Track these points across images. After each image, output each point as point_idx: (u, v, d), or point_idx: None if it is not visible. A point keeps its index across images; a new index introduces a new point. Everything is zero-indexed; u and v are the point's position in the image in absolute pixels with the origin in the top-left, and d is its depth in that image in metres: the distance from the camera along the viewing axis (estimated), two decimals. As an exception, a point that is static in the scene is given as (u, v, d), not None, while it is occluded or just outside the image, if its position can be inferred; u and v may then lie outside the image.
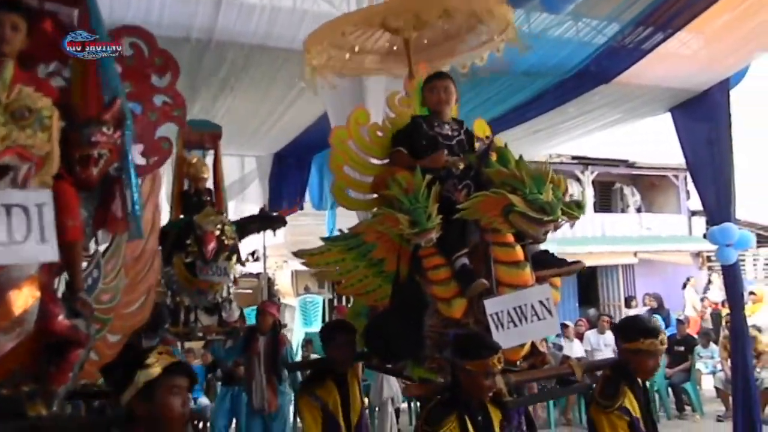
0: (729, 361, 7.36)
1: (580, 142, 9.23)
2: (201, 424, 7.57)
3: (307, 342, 9.46)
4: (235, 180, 8.20)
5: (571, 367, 3.02)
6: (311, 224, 9.45)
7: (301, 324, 11.79)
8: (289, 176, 8.21)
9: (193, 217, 5.43)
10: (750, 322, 6.57)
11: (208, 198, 5.83)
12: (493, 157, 2.88)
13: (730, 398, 6.79)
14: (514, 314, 2.64)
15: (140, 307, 2.93)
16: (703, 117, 6.02)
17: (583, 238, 14.38)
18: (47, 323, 2.20)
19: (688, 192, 16.54)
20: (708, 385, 8.64)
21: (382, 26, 3.64)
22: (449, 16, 3.38)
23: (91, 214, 2.52)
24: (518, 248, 2.73)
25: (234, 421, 5.98)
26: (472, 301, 2.73)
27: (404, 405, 7.10)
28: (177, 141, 5.60)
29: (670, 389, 8.31)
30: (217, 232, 5.33)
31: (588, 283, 15.65)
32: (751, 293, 10.20)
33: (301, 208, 8.65)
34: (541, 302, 2.69)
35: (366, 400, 7.49)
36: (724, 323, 8.18)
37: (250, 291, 10.44)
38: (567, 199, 2.74)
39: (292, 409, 5.63)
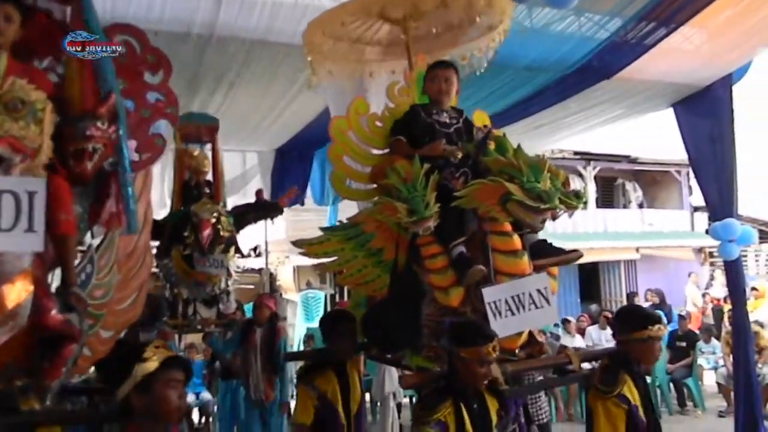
0: (731, 356, 7.37)
1: (582, 138, 9.23)
2: (204, 419, 7.60)
3: (309, 337, 9.47)
4: (237, 175, 8.20)
5: (569, 356, 3.03)
6: (313, 219, 9.44)
7: (302, 319, 11.81)
8: (290, 171, 8.21)
9: (190, 207, 5.45)
10: (752, 317, 6.56)
11: (208, 191, 5.83)
12: (492, 145, 2.87)
13: (732, 394, 6.80)
14: (512, 303, 2.64)
15: (132, 303, 2.93)
16: (706, 112, 6.01)
17: (584, 233, 14.38)
18: (40, 318, 2.20)
19: (690, 188, 16.52)
20: (710, 380, 8.65)
21: (381, 17, 3.64)
22: (447, 6, 3.38)
23: (85, 209, 2.53)
24: (516, 237, 2.73)
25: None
26: (470, 289, 2.73)
27: (406, 400, 7.11)
28: (175, 134, 5.62)
29: (671, 384, 8.32)
30: (213, 220, 5.34)
31: (589, 279, 15.65)
32: (753, 289, 10.20)
33: (302, 204, 8.65)
34: (539, 291, 2.69)
35: (368, 394, 7.56)
36: (726, 319, 8.17)
37: (252, 286, 10.48)
38: (572, 191, 2.74)
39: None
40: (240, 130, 7.07)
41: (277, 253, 12.07)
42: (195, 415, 7.69)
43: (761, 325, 7.88)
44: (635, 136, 14.84)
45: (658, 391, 8.02)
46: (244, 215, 5.97)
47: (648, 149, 16.26)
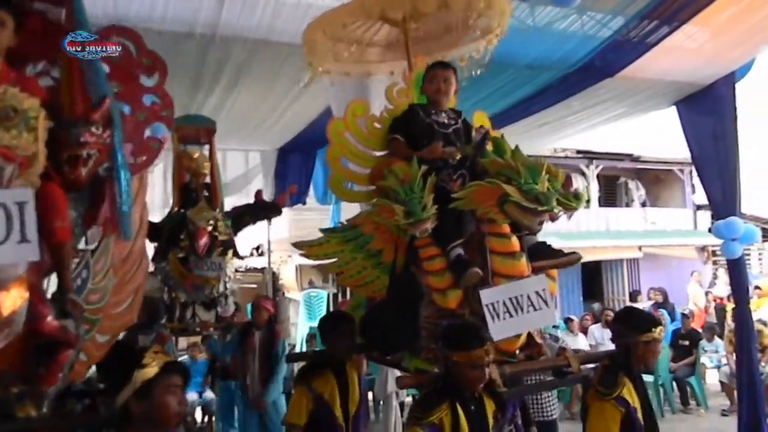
0: (734, 355, 7.36)
1: (585, 136, 9.21)
2: (207, 418, 7.62)
3: (311, 336, 9.47)
4: (239, 175, 8.20)
5: (568, 358, 3.02)
6: (316, 219, 9.46)
7: (305, 318, 11.81)
8: (293, 171, 8.22)
9: (187, 212, 5.45)
10: (755, 316, 6.57)
11: (206, 193, 5.83)
12: (489, 147, 2.87)
13: (735, 392, 6.79)
14: (510, 305, 2.63)
15: (128, 308, 2.91)
16: (709, 111, 6.00)
17: (587, 232, 14.37)
18: (36, 324, 2.19)
19: (693, 186, 16.49)
20: (713, 379, 8.64)
21: (381, 18, 3.63)
22: (447, 7, 3.37)
23: (80, 214, 2.51)
24: (514, 239, 2.72)
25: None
26: (468, 291, 2.72)
27: (409, 399, 7.12)
28: (173, 136, 5.61)
29: (674, 383, 8.31)
30: (209, 228, 5.34)
31: (592, 278, 15.64)
32: (757, 287, 10.19)
33: (304, 203, 8.66)
34: (537, 293, 2.67)
35: (370, 393, 7.57)
36: (729, 317, 8.17)
37: (254, 286, 10.49)
38: (571, 192, 2.73)
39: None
40: (242, 130, 7.08)
41: (280, 252, 12.07)
42: (198, 414, 7.71)
43: (764, 324, 7.86)
44: (638, 135, 14.80)
45: (661, 390, 8.01)
46: (242, 217, 5.97)
47: (651, 148, 16.23)
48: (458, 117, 3.23)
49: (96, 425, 2.37)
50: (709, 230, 6.55)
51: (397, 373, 5.62)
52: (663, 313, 9.77)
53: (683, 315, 9.29)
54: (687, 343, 8.45)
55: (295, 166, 8.21)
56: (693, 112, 6.20)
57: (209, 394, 7.37)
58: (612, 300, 15.57)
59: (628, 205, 17.13)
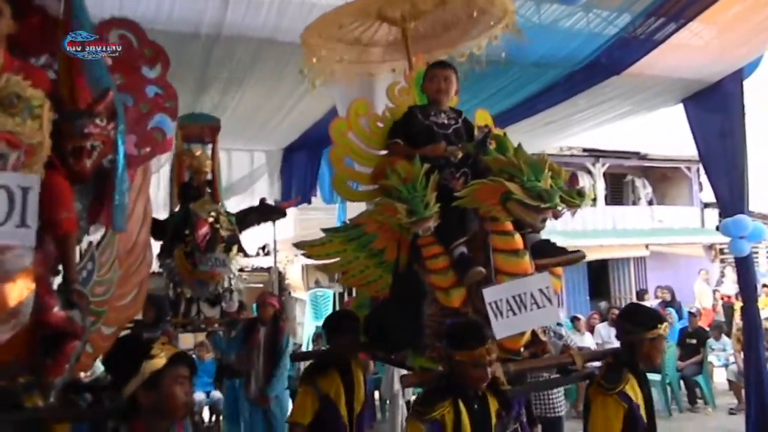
0: (742, 353, 7.32)
1: (591, 135, 9.18)
2: (214, 417, 7.64)
3: (318, 336, 9.49)
4: (244, 175, 8.22)
5: (572, 356, 3.01)
6: (322, 218, 9.47)
7: (311, 318, 11.83)
8: (298, 170, 8.22)
9: (190, 206, 5.47)
10: (763, 314, 6.52)
11: (209, 190, 5.85)
12: (492, 145, 2.86)
13: (743, 391, 6.76)
14: (513, 303, 2.61)
15: (133, 300, 2.92)
16: (716, 108, 5.97)
17: (593, 230, 14.34)
18: (43, 315, 2.21)
19: (700, 184, 16.44)
20: (720, 377, 8.60)
21: (379, 17, 3.62)
22: (446, 4, 3.35)
23: (85, 206, 2.52)
24: (517, 237, 2.71)
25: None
26: (471, 290, 2.71)
27: (414, 398, 7.12)
28: (176, 135, 5.62)
29: (682, 382, 8.28)
30: (210, 219, 5.35)
31: (599, 276, 15.60)
32: (765, 286, 10.15)
33: (310, 203, 8.67)
34: (540, 290, 2.66)
35: (377, 393, 7.57)
36: (737, 316, 8.13)
37: (261, 285, 10.50)
38: (575, 189, 2.72)
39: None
40: (247, 129, 7.08)
41: (286, 252, 12.10)
42: (206, 414, 7.73)
43: (773, 322, 7.82)
44: (645, 133, 14.78)
45: (669, 389, 7.98)
46: (247, 217, 5.99)
47: (658, 145, 16.19)
48: (458, 117, 3.21)
49: (103, 416, 2.39)
50: (717, 228, 6.52)
51: (403, 372, 5.64)
52: (670, 312, 9.74)
53: (690, 313, 9.25)
54: (694, 341, 8.41)
55: (301, 165, 8.21)
56: (700, 109, 6.17)
57: (217, 394, 7.39)
58: (619, 299, 15.53)
59: (634, 204, 17.09)
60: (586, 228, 13.98)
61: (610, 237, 14.57)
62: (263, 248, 11.88)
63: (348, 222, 3.39)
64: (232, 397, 6.21)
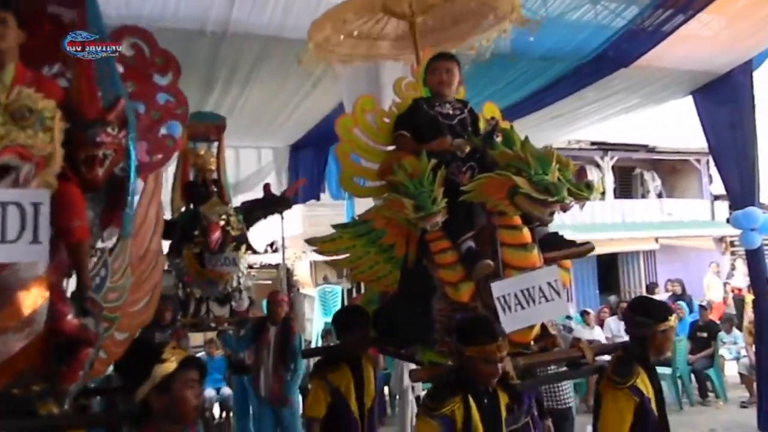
0: (753, 346, 7.28)
1: (600, 128, 9.15)
2: (224, 414, 7.68)
3: (327, 332, 9.50)
4: (252, 172, 8.23)
5: (582, 349, 2.99)
6: (330, 214, 9.47)
7: (320, 314, 11.86)
8: (306, 167, 8.22)
9: (199, 207, 5.47)
10: (775, 307, 6.47)
11: (215, 189, 5.85)
12: (499, 138, 2.85)
13: (755, 384, 6.73)
14: (522, 297, 2.60)
15: (146, 306, 2.93)
16: (726, 99, 5.94)
17: (602, 224, 14.28)
18: (57, 323, 2.22)
19: (710, 176, 16.34)
20: (731, 371, 8.55)
21: (385, 11, 3.61)
22: None
23: (97, 214, 2.54)
24: (525, 230, 2.69)
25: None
26: (480, 284, 2.71)
27: (424, 393, 7.12)
28: (183, 133, 5.62)
29: (693, 375, 8.24)
30: (222, 223, 5.36)
31: (608, 270, 15.55)
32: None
33: (318, 199, 8.67)
34: (549, 284, 2.64)
35: (386, 388, 7.58)
36: (749, 309, 8.08)
37: (269, 282, 10.52)
38: (583, 182, 2.70)
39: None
40: (254, 127, 7.10)
41: (294, 249, 12.12)
42: (216, 410, 7.77)
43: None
44: (653, 125, 14.66)
45: (680, 382, 7.95)
46: (253, 211, 5.97)
47: (667, 138, 16.06)
48: (464, 107, 3.20)
49: (116, 421, 2.40)
50: (727, 220, 6.49)
51: (413, 366, 5.65)
52: (681, 305, 9.69)
53: (701, 307, 9.20)
54: (705, 334, 8.37)
55: (308, 162, 8.21)
56: (710, 101, 6.14)
57: (227, 390, 7.42)
58: (628, 292, 15.46)
59: (644, 197, 17.01)
60: (595, 222, 13.93)
61: (619, 230, 14.50)
62: (271, 245, 11.90)
63: (357, 218, 3.39)
64: (241, 394, 6.24)
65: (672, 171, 17.52)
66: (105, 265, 2.63)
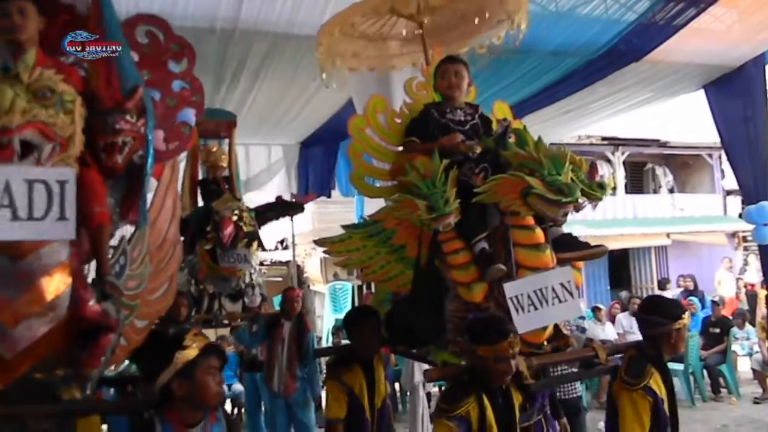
0: (766, 342, 7.24)
1: (611, 123, 9.10)
2: (236, 410, 7.71)
3: (338, 329, 9.53)
4: (262, 169, 8.24)
5: (595, 349, 2.98)
6: (340, 211, 9.49)
7: (331, 311, 11.89)
8: (316, 164, 8.23)
9: (212, 204, 5.49)
10: (789, 302, 6.43)
11: (227, 186, 5.87)
12: (511, 139, 2.84)
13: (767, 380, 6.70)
14: (535, 297, 2.60)
15: (164, 294, 2.96)
16: (738, 93, 5.90)
17: (614, 220, 14.21)
18: (79, 309, 2.25)
19: (722, 171, 16.19)
20: (744, 366, 8.50)
21: (392, 13, 3.61)
22: None
23: (117, 201, 2.56)
24: (538, 231, 2.68)
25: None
26: (493, 284, 2.70)
27: (435, 389, 7.13)
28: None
29: (705, 371, 8.20)
30: (235, 218, 5.39)
31: (619, 266, 15.47)
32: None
33: (329, 196, 8.68)
34: (562, 284, 2.63)
35: (397, 384, 7.59)
36: (762, 304, 8.03)
37: (280, 279, 10.56)
38: (597, 180, 2.69)
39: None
40: (264, 124, 7.11)
41: (304, 245, 12.15)
42: (227, 406, 7.81)
43: (798, 310, 7.72)
44: (665, 120, 14.58)
45: (692, 378, 7.91)
46: (265, 213, 6.01)
47: (678, 133, 15.96)
48: (475, 112, 3.19)
49: (138, 407, 2.44)
50: (740, 216, 6.45)
51: (424, 364, 5.65)
52: (693, 301, 9.64)
53: (713, 302, 9.14)
54: (718, 330, 8.32)
55: (318, 159, 8.22)
56: (722, 95, 6.09)
57: (238, 387, 7.46)
58: (640, 288, 15.39)
59: (655, 192, 16.91)
60: (606, 217, 13.86)
61: (630, 226, 14.41)
62: (281, 242, 11.95)
63: (367, 218, 3.39)
64: (253, 391, 6.27)
65: (684, 166, 17.40)
66: (124, 253, 2.66)
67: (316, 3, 4.37)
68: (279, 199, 6.35)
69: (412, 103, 3.33)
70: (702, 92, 6.31)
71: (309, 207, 8.39)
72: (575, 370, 3.54)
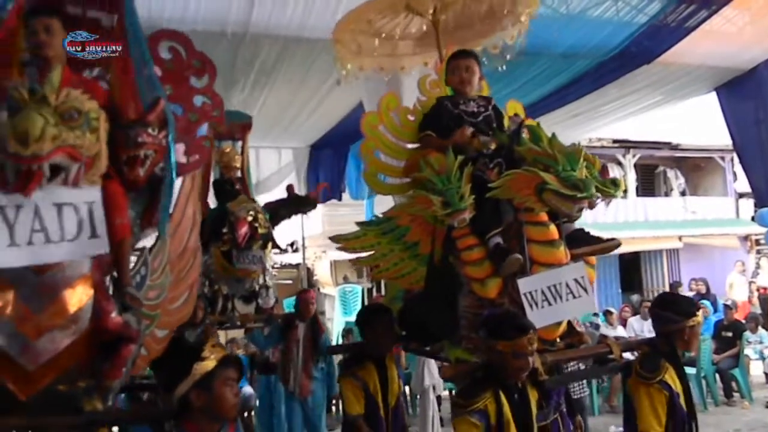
0: (780, 346, 7.18)
1: (622, 125, 9.07)
2: (246, 414, 7.72)
3: (347, 331, 9.53)
4: (272, 172, 8.27)
5: (609, 345, 2.98)
6: (350, 214, 9.50)
7: (341, 313, 11.90)
8: (326, 167, 8.25)
9: (227, 204, 5.51)
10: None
11: (240, 187, 5.89)
12: (526, 135, 2.84)
13: (782, 384, 6.63)
14: (549, 293, 2.61)
15: (184, 303, 2.98)
16: (751, 95, 5.88)
17: (625, 222, 14.12)
18: (101, 321, 2.27)
19: (735, 173, 16.06)
20: (757, 370, 8.44)
21: (408, 10, 3.63)
22: None
23: (138, 213, 2.58)
24: (552, 227, 2.69)
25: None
26: (507, 280, 2.71)
27: (446, 393, 7.11)
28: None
29: (717, 375, 8.13)
30: (250, 218, 5.39)
31: (631, 269, 15.38)
32: (803, 277, 9.89)
33: (339, 199, 8.69)
34: (575, 280, 2.65)
35: (407, 388, 7.57)
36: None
37: (290, 282, 10.59)
38: (609, 178, 2.69)
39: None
40: (275, 127, 7.14)
41: (314, 248, 12.18)
42: (237, 409, 7.83)
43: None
44: (676, 122, 14.48)
45: (704, 382, 7.84)
46: (278, 211, 6.01)
47: (690, 135, 15.84)
48: (488, 104, 3.21)
49: (158, 417, 2.46)
50: (752, 219, 6.40)
51: (434, 367, 5.65)
52: (705, 305, 9.57)
53: (726, 306, 9.07)
54: (730, 334, 8.25)
55: (328, 162, 8.24)
56: (734, 97, 6.07)
57: (248, 390, 7.46)
58: (651, 291, 15.27)
59: (667, 195, 16.79)
60: (617, 220, 13.79)
61: (642, 229, 14.31)
62: (291, 245, 11.97)
63: (381, 215, 3.40)
64: (266, 392, 6.27)
65: (696, 168, 17.27)
66: (145, 263, 2.68)
67: (327, 6, 4.39)
68: (290, 188, 6.31)
69: (426, 101, 3.34)
70: (714, 94, 6.28)
71: (319, 209, 8.39)
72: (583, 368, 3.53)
